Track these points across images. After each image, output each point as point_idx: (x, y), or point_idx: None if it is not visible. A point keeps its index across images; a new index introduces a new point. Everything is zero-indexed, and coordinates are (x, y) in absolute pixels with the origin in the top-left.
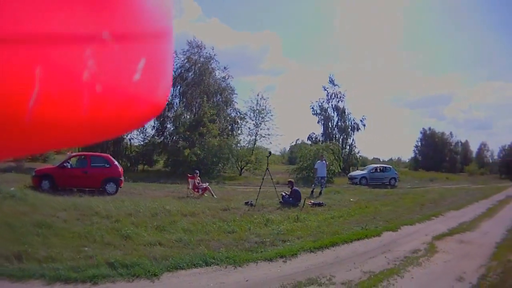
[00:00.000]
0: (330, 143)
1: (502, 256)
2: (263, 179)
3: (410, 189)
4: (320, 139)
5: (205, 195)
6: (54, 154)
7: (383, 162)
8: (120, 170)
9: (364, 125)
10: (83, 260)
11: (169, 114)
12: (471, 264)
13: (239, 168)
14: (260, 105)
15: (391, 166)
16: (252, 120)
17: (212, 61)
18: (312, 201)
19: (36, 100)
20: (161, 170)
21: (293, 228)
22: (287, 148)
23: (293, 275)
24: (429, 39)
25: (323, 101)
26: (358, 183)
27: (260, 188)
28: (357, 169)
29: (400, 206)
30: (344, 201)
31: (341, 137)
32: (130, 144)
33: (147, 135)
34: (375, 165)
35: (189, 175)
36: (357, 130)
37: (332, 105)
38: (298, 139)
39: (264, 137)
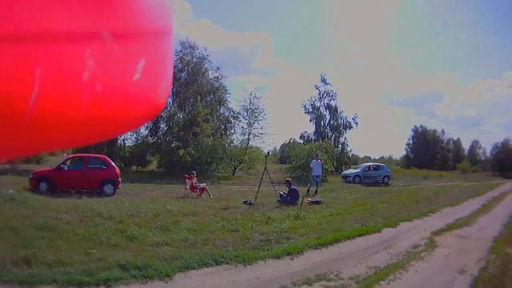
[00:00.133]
0: (323, 142)
1: (500, 249)
2: (261, 178)
3: (404, 187)
4: (312, 138)
5: (203, 196)
6: (47, 155)
7: (374, 160)
8: (117, 171)
9: (357, 123)
10: (94, 263)
11: (162, 114)
12: (471, 257)
13: (233, 168)
14: (253, 104)
15: (384, 165)
16: (245, 119)
17: (205, 61)
18: (309, 199)
19: (36, 100)
20: (155, 170)
21: (295, 226)
22: (278, 147)
23: (301, 272)
24: (420, 38)
25: (315, 100)
26: (351, 181)
27: (259, 187)
28: (349, 168)
29: (396, 203)
30: (340, 199)
31: (333, 136)
32: (123, 145)
33: (140, 135)
34: (368, 164)
35: (186, 175)
36: (349, 128)
37: (324, 103)
38: (291, 138)
39: (257, 136)
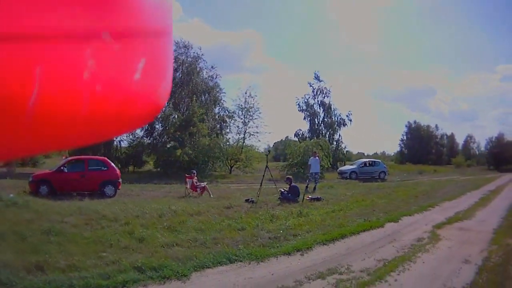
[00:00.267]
0: (319, 139)
1: (500, 240)
2: (263, 176)
3: (400, 182)
4: (307, 136)
5: (203, 195)
6: (43, 158)
7: (368, 156)
8: (117, 172)
9: (351, 120)
10: (109, 266)
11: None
12: (474, 248)
13: (229, 167)
14: (248, 103)
15: (380, 161)
16: (241, 118)
17: (199, 60)
18: (310, 196)
19: (36, 100)
20: (152, 171)
21: (299, 222)
22: (271, 145)
23: (313, 267)
24: (411, 33)
25: (309, 97)
26: (348, 177)
27: (260, 185)
28: (344, 164)
29: (394, 198)
30: (339, 195)
31: (328, 133)
32: (120, 146)
33: (136, 136)
34: (364, 160)
35: (187, 175)
36: (344, 125)
37: (318, 101)
38: (287, 136)
39: (252, 135)
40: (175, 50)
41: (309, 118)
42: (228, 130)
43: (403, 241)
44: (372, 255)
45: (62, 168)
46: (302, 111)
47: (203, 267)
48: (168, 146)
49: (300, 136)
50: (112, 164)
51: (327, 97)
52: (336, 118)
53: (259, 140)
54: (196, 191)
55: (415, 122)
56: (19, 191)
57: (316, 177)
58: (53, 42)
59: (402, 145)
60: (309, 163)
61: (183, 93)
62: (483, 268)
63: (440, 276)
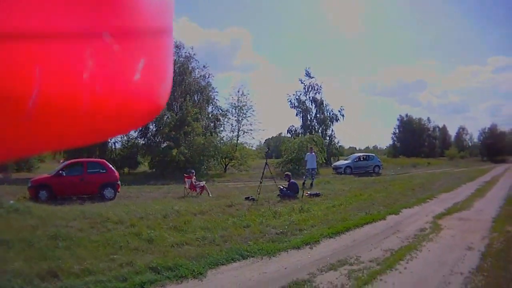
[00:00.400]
0: (313, 134)
1: (500, 228)
2: (263, 173)
3: (395, 175)
4: (300, 132)
5: (202, 195)
6: (38, 162)
7: (359, 151)
8: (116, 174)
9: (343, 116)
10: (123, 268)
11: None
12: (475, 236)
13: (224, 165)
14: (240, 101)
15: (374, 155)
16: (234, 117)
17: (191, 60)
18: (309, 192)
19: (36, 100)
20: (147, 172)
21: (303, 218)
22: (262, 143)
23: (323, 259)
24: (400, 27)
25: (300, 94)
26: (343, 172)
27: (261, 183)
28: (337, 159)
29: (392, 192)
30: (337, 191)
31: (320, 129)
32: (115, 148)
33: (130, 137)
34: (359, 154)
35: (185, 174)
36: (336, 121)
37: (309, 97)
38: (280, 133)
39: (246, 132)
40: None
41: (301, 115)
42: (222, 129)
43: (406, 231)
44: (378, 246)
45: (60, 172)
46: (294, 108)
47: (217, 264)
48: (162, 146)
49: (293, 132)
50: (111, 166)
51: (319, 93)
52: (328, 113)
53: (253, 138)
54: (195, 190)
55: (407, 115)
56: (18, 197)
57: (313, 173)
58: (53, 42)
59: (395, 139)
60: (305, 159)
61: (176, 93)
62: (486, 254)
63: (446, 263)
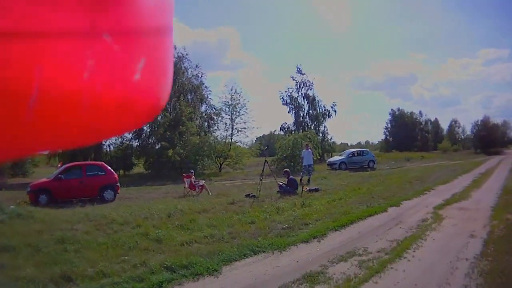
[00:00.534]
0: (306, 131)
1: (499, 216)
2: (263, 170)
3: (390, 169)
4: (293, 129)
5: (201, 194)
6: (32, 167)
7: (351, 146)
8: (115, 176)
9: (335, 111)
10: (138, 269)
11: None
12: (476, 224)
13: (219, 164)
14: (234, 99)
15: (368, 150)
16: (228, 115)
17: (184, 60)
18: (308, 187)
19: (36, 100)
20: (143, 173)
21: (306, 212)
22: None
23: (332, 251)
24: (390, 22)
25: (292, 91)
26: (337, 168)
27: (261, 180)
28: (331, 155)
29: (389, 185)
30: (335, 185)
31: (313, 125)
32: (110, 150)
33: (124, 139)
34: (353, 150)
35: (184, 174)
36: (329, 117)
37: (301, 93)
38: (274, 130)
39: (240, 130)
40: None
41: (294, 111)
42: (216, 128)
43: (409, 222)
44: (383, 236)
45: (60, 175)
46: (287, 105)
47: (230, 261)
48: (157, 147)
49: (286, 129)
50: (110, 168)
51: (311, 89)
52: (320, 109)
53: (247, 136)
54: (195, 189)
55: (398, 109)
56: (18, 202)
57: (310, 169)
58: (53, 42)
59: (387, 133)
60: (302, 155)
61: (170, 94)
62: (489, 241)
63: (451, 250)
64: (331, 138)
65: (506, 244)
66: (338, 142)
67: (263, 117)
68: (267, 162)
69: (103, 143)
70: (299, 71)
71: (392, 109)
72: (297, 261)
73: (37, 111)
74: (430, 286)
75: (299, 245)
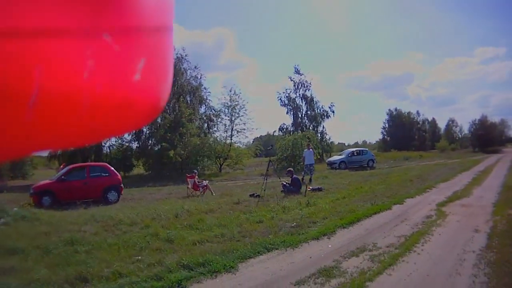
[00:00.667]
0: (305, 132)
1: (501, 212)
2: (267, 170)
3: (390, 169)
4: (291, 130)
5: (205, 194)
6: (32, 170)
7: (349, 146)
8: (119, 177)
9: (333, 112)
10: (155, 268)
11: None
12: (479, 220)
13: (219, 165)
14: (233, 100)
15: (367, 149)
16: (227, 116)
17: (183, 61)
18: (311, 187)
19: (36, 100)
20: (143, 174)
21: (312, 211)
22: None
23: (343, 247)
24: (385, 22)
25: (290, 91)
26: (337, 167)
27: (265, 180)
28: (330, 155)
29: (391, 183)
30: (337, 185)
31: (311, 126)
32: (110, 152)
33: (124, 140)
34: (352, 149)
35: (188, 175)
36: (327, 117)
37: (299, 94)
38: (274, 131)
39: (239, 131)
40: None
41: (292, 112)
42: (215, 129)
43: (414, 219)
44: (390, 233)
45: (63, 177)
46: (285, 106)
47: (245, 258)
48: (157, 148)
49: (285, 130)
50: (113, 169)
51: (308, 90)
52: (319, 110)
53: (247, 136)
54: (198, 190)
55: (396, 109)
56: (21, 204)
57: (311, 168)
58: (53, 41)
59: (385, 133)
60: (303, 155)
61: (169, 95)
62: (493, 235)
63: (457, 244)
64: (329, 138)
65: (509, 237)
66: (336, 142)
67: (259, 118)
68: (272, 162)
69: (103, 144)
70: (297, 72)
71: (389, 109)
72: (311, 257)
73: (37, 111)
74: (441, 276)
75: (310, 242)
